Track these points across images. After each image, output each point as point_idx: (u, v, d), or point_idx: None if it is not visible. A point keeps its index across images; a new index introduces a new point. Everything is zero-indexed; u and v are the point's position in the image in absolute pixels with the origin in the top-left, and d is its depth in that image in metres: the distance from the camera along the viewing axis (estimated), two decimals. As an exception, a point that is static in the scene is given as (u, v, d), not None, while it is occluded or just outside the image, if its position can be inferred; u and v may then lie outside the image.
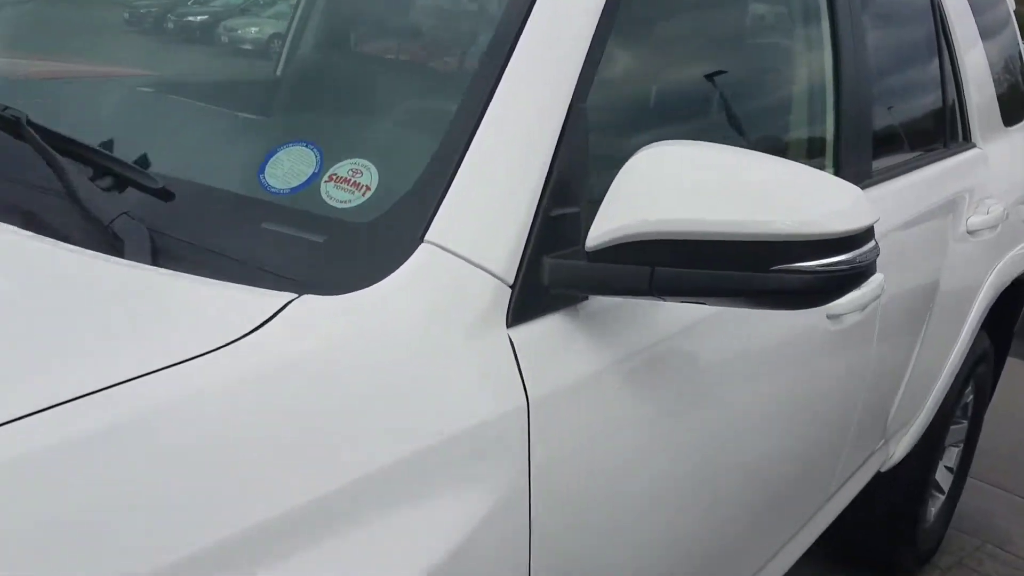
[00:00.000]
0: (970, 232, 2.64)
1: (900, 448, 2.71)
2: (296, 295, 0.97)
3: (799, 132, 1.99)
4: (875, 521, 2.91)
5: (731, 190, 1.10)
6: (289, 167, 1.16)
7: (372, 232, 1.09)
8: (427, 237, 1.08)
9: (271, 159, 1.17)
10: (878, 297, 1.99)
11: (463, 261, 1.09)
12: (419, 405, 1.00)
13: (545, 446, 1.11)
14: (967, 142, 2.84)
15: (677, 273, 1.12)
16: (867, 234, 1.13)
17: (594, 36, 1.28)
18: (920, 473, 2.87)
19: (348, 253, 1.08)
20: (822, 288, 1.10)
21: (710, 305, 1.18)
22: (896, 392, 2.49)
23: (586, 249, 1.15)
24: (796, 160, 1.97)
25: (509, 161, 1.16)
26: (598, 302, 1.25)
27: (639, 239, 1.12)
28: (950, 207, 2.51)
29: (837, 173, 1.99)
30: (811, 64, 2.00)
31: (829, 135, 2.00)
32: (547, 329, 1.17)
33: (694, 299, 1.14)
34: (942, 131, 2.68)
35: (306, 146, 1.18)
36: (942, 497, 3.25)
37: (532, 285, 1.15)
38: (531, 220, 1.16)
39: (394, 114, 1.34)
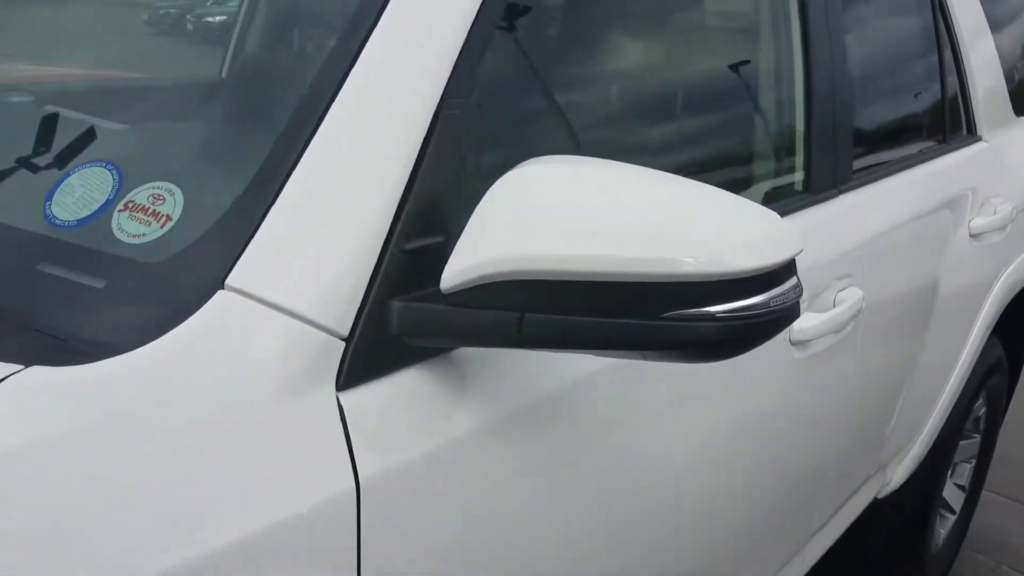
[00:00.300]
0: (973, 236, 2.39)
1: (899, 473, 2.47)
2: (21, 367, 0.76)
3: (758, 133, 1.75)
4: (876, 548, 2.67)
5: (617, 219, 0.88)
6: (81, 194, 0.95)
7: (160, 275, 0.88)
8: (228, 281, 0.87)
9: (61, 184, 0.96)
10: (856, 316, 1.76)
11: (274, 310, 0.87)
12: (197, 502, 0.78)
13: (382, 540, 0.89)
14: (971, 135, 2.58)
15: (550, 320, 0.90)
16: (785, 271, 0.90)
17: (475, 25, 1.06)
18: (923, 497, 2.62)
19: (129, 303, 0.87)
20: (726, 339, 0.87)
21: (599, 356, 0.97)
22: (892, 413, 2.25)
23: (442, 290, 0.94)
24: (762, 165, 1.77)
25: (350, 181, 0.94)
26: (475, 350, 1.03)
27: (504, 279, 0.90)
28: (948, 208, 2.27)
29: (807, 178, 1.76)
30: (774, 54, 1.76)
31: (798, 135, 1.76)
32: (396, 389, 0.95)
33: (573, 350, 0.92)
34: (940, 125, 2.43)
35: (105, 167, 0.97)
36: (953, 517, 3.01)
37: (376, 336, 0.93)
38: (377, 255, 0.94)
39: (215, 126, 1.13)
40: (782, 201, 1.70)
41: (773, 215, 0.92)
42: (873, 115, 2.12)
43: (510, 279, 0.90)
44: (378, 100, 0.98)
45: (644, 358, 0.92)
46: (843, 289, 1.73)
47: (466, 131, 1.04)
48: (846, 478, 2.06)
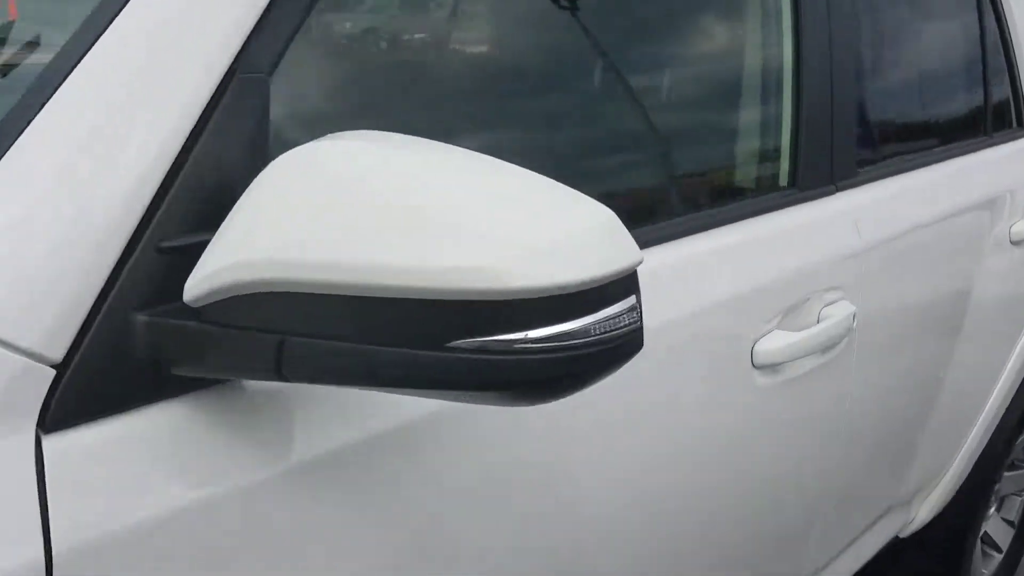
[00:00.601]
0: (1015, 242, 2.10)
1: (925, 509, 2.19)
2: None
3: (730, 116, 1.51)
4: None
5: (404, 216, 0.67)
6: None
7: None
8: None
9: None
10: (848, 334, 1.51)
11: (-52, 327, 0.68)
12: None
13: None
14: (1022, 129, 2.29)
15: (316, 348, 0.69)
16: (615, 288, 0.68)
17: None
18: (955, 536, 2.34)
19: None
20: (529, 378, 0.66)
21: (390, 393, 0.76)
22: (912, 443, 1.98)
23: (185, 301, 0.74)
24: (733, 155, 1.52)
25: (78, 160, 0.74)
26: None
27: (261, 290, 0.70)
28: (984, 209, 1.98)
29: (794, 172, 1.50)
30: (757, 24, 1.52)
31: (784, 122, 1.51)
32: (137, 431, 0.74)
33: (349, 386, 0.71)
34: (981, 115, 2.14)
35: None
36: (999, 556, 2.70)
37: (109, 361, 0.73)
38: (119, 254, 0.74)
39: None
40: (758, 198, 1.46)
41: (606, 214, 0.69)
42: (891, 101, 1.86)
43: (268, 291, 0.70)
44: (136, 65, 0.78)
45: (439, 397, 0.71)
46: (831, 304, 1.48)
47: (268, 105, 0.83)
48: (846, 518, 1.81)
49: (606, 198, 1.30)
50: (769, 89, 1.52)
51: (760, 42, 1.51)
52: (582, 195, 0.70)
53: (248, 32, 0.82)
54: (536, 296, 0.64)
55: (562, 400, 1.03)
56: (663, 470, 1.24)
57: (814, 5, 1.51)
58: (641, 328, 0.69)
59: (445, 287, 0.64)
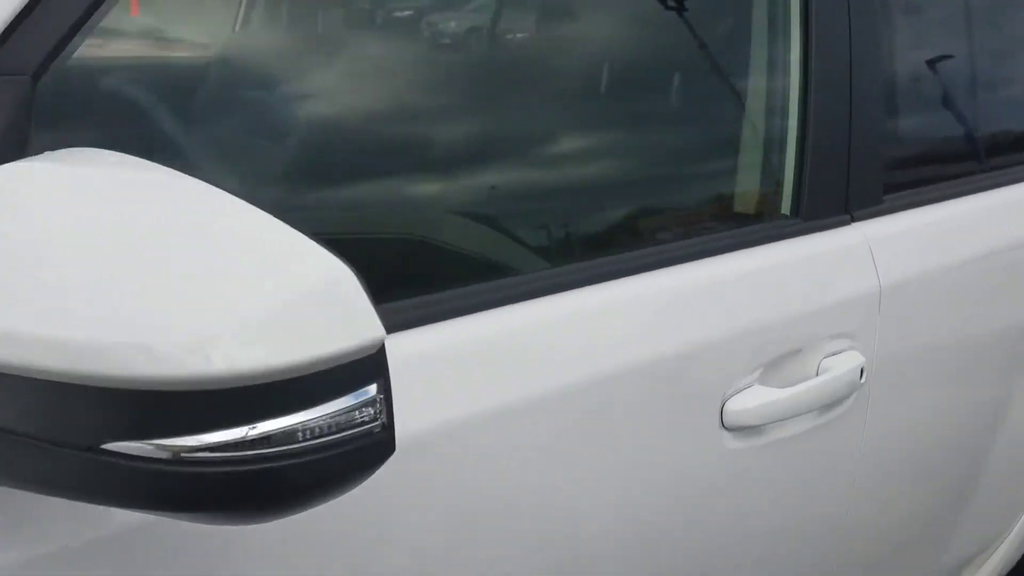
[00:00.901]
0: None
1: (983, 573, 1.93)
2: None
3: (720, 131, 1.31)
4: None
5: (57, 269, 0.51)
6: None
7: None
8: None
9: None
10: (859, 389, 1.28)
11: None
12: None
13: None
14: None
15: None
16: (347, 376, 0.50)
17: None
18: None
19: None
20: (206, 497, 0.48)
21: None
22: (958, 502, 1.73)
23: None
24: (721, 176, 1.32)
25: None
26: None
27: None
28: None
29: (798, 199, 1.29)
30: (759, 24, 1.31)
31: (789, 138, 1.30)
32: None
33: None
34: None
35: None
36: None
37: None
38: None
39: None
40: (748, 228, 1.26)
41: (339, 273, 0.51)
42: (931, 116, 1.62)
43: None
44: None
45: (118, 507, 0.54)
46: (834, 354, 1.26)
47: (28, 111, 0.68)
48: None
49: (563, 222, 1.16)
50: (772, 98, 1.31)
51: (759, 40, 1.30)
52: (315, 245, 0.52)
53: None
54: (222, 387, 0.47)
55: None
56: (612, 535, 1.06)
57: (828, 8, 1.30)
58: (389, 426, 0.51)
59: (95, 372, 0.47)
